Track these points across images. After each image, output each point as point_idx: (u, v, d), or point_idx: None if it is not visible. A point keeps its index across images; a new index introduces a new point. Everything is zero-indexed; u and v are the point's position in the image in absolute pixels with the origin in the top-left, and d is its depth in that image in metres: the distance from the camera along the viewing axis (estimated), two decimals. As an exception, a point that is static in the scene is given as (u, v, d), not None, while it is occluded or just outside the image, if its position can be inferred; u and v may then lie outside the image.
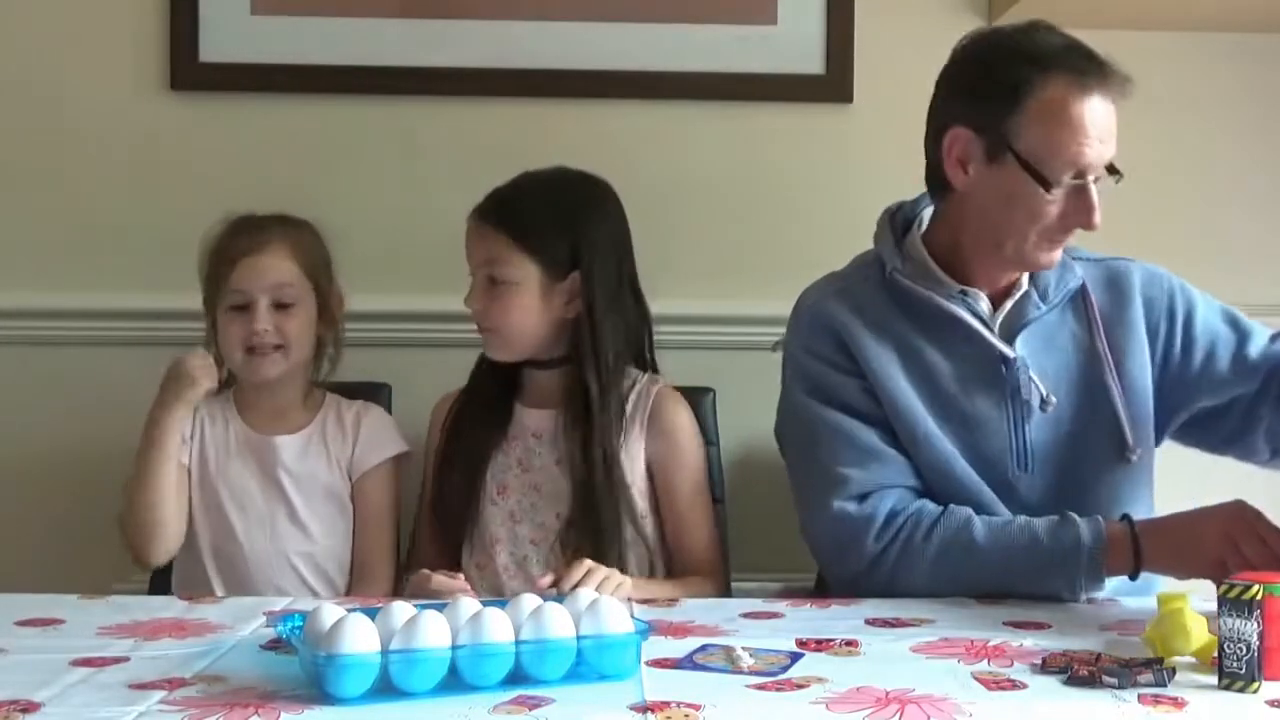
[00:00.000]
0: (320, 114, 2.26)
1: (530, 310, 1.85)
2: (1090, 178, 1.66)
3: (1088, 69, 1.65)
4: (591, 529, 1.81)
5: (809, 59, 2.28)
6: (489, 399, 1.93)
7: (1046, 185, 1.65)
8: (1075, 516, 1.64)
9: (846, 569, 1.70)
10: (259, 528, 1.90)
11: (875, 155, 2.25)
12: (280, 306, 1.89)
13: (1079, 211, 1.67)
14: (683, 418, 1.91)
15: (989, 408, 1.74)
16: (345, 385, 2.03)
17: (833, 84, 2.27)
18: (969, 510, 1.68)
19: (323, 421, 1.96)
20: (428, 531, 1.95)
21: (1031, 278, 1.78)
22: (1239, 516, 1.60)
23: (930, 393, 1.73)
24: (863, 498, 1.69)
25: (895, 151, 2.22)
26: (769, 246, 2.28)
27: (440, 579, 1.67)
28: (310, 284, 1.93)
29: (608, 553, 1.79)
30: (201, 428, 1.94)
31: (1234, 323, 1.82)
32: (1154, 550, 1.62)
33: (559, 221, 1.86)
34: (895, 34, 2.28)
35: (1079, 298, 1.79)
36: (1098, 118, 1.66)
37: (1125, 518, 1.66)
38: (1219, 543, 1.57)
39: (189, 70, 2.24)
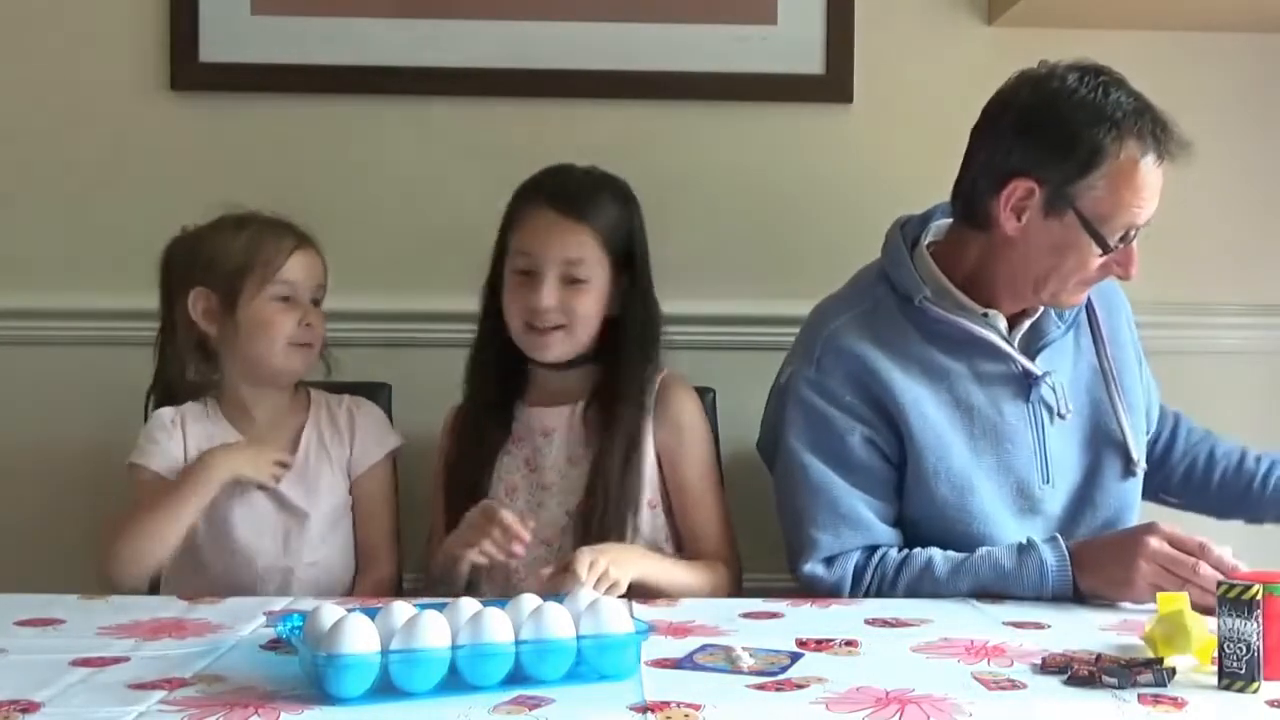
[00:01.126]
0: (320, 114, 2.26)
1: (598, 309, 1.85)
2: (1136, 235, 1.70)
3: (1159, 137, 1.68)
4: (600, 522, 1.80)
5: (809, 59, 2.28)
6: (492, 403, 1.91)
7: (1105, 246, 1.68)
8: (1036, 540, 1.67)
9: None
10: (273, 544, 1.87)
11: (875, 155, 2.25)
12: (314, 302, 1.91)
13: (1120, 264, 1.71)
14: (689, 404, 1.90)
15: (1016, 418, 1.76)
16: (345, 385, 2.02)
17: (833, 84, 2.27)
18: (929, 552, 1.71)
19: (316, 424, 1.94)
20: (439, 539, 1.92)
21: None
22: (1156, 541, 1.57)
23: (963, 412, 1.75)
24: (830, 560, 1.73)
25: (895, 152, 2.23)
26: (769, 246, 2.28)
27: (508, 516, 1.66)
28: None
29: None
30: (197, 449, 1.88)
31: None
32: (1086, 577, 1.63)
33: (623, 222, 1.87)
34: (895, 34, 2.28)
35: (1085, 313, 1.83)
36: (1156, 180, 1.69)
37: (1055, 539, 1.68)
38: (1146, 568, 1.56)
39: (189, 70, 2.24)
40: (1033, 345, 1.79)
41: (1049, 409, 1.76)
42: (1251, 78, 2.34)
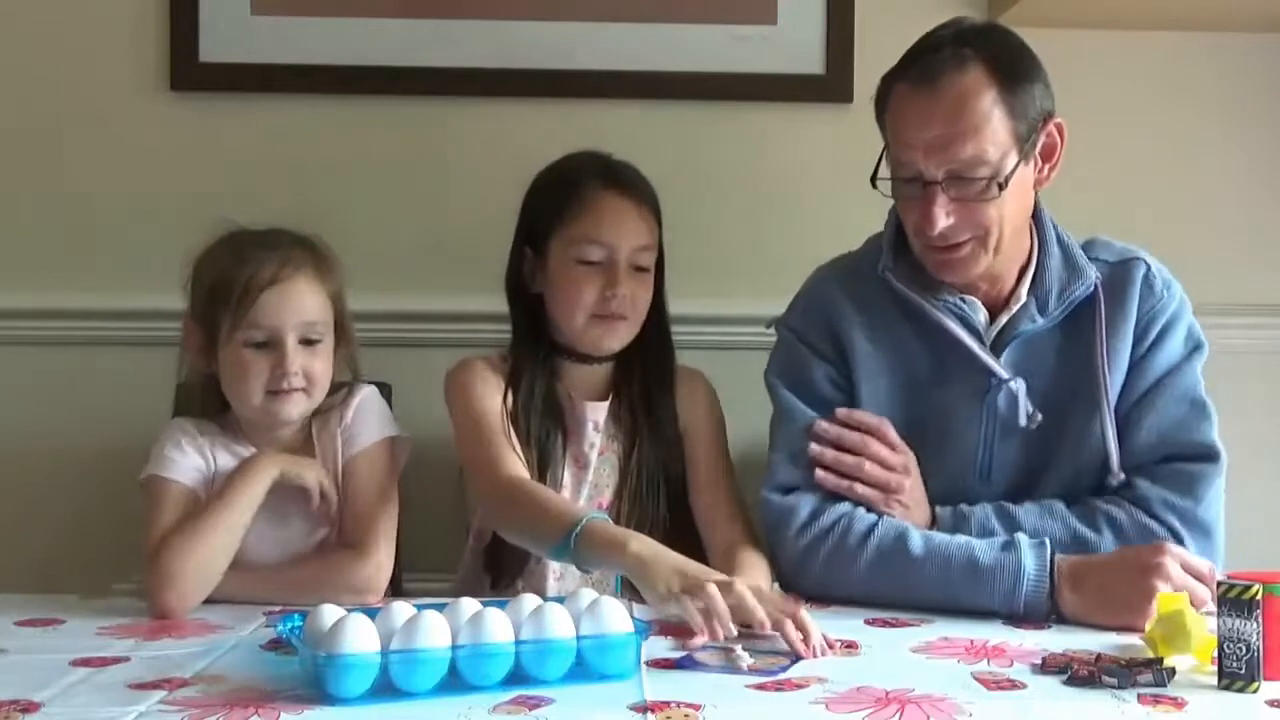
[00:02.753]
0: (320, 114, 2.26)
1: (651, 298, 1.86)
2: (934, 179, 1.62)
3: (914, 66, 1.64)
4: (638, 512, 1.81)
5: (809, 59, 2.28)
6: (547, 395, 1.85)
7: (882, 175, 1.68)
8: (1023, 542, 1.57)
9: (779, 558, 1.70)
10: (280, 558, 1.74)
11: (875, 155, 2.24)
12: (306, 343, 1.71)
13: (921, 217, 1.63)
14: (703, 390, 1.92)
15: (965, 419, 1.70)
16: (346, 385, 2.00)
17: (833, 84, 2.27)
18: (910, 525, 1.64)
19: (319, 437, 1.79)
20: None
21: (1032, 286, 1.71)
22: (1176, 568, 1.49)
23: (911, 396, 1.72)
24: (786, 490, 1.70)
25: (895, 151, 2.21)
26: (769, 246, 2.28)
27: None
28: (333, 311, 1.75)
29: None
30: (217, 478, 1.72)
31: (1198, 404, 1.68)
32: (1080, 597, 1.52)
33: (659, 206, 1.88)
34: (895, 34, 2.25)
35: (1088, 308, 1.70)
36: (917, 117, 1.63)
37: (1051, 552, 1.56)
38: (1153, 590, 1.46)
39: (189, 70, 2.24)
40: (1007, 338, 1.70)
41: (1011, 416, 1.68)
42: (1251, 78, 2.34)
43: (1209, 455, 1.66)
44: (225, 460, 1.73)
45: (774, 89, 2.28)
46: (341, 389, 1.83)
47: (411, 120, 2.27)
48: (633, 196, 1.83)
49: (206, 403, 1.79)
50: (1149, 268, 1.73)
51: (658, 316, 1.89)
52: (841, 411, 1.71)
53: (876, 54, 2.27)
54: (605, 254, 1.80)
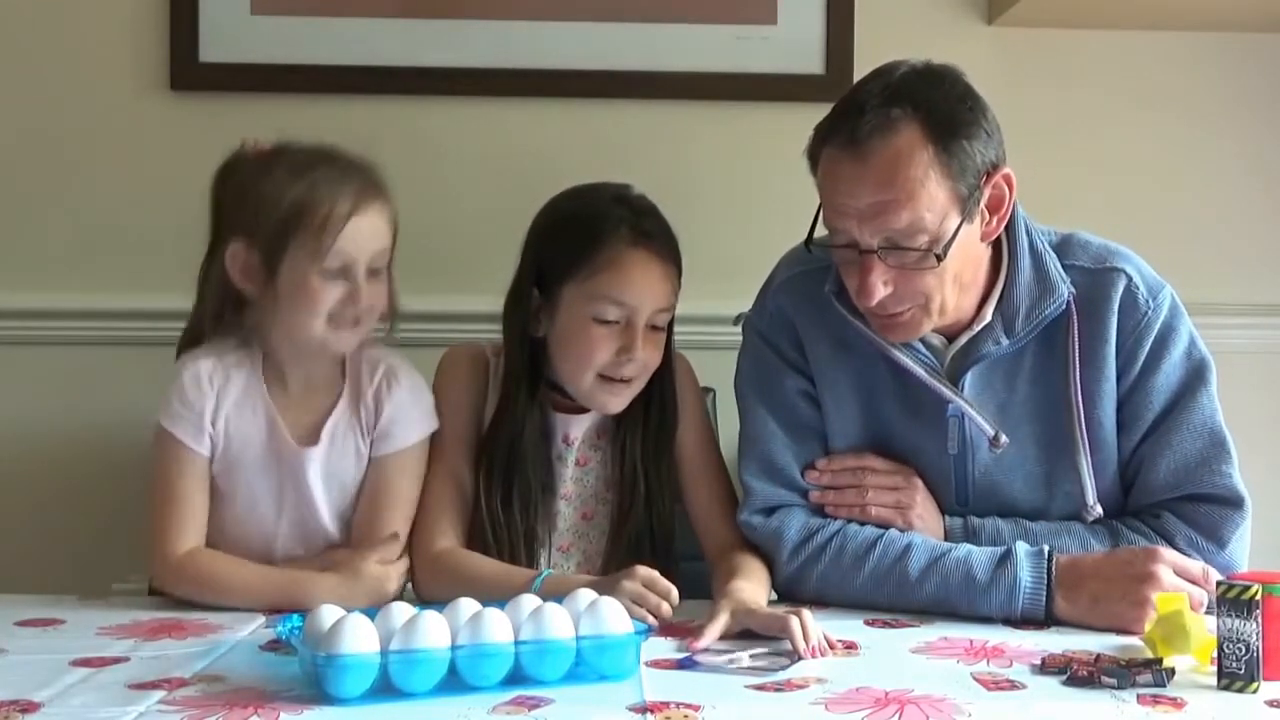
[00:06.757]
0: (320, 114, 2.26)
1: None
2: (869, 248, 1.53)
3: (841, 128, 1.54)
4: (634, 521, 1.76)
5: (809, 59, 2.28)
6: (534, 422, 1.76)
7: (811, 238, 1.62)
8: (1020, 553, 1.53)
9: (772, 580, 1.66)
10: (290, 539, 1.74)
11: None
12: (371, 273, 1.68)
13: (859, 286, 1.55)
14: (684, 373, 1.85)
15: (932, 443, 1.66)
16: (386, 364, 1.94)
17: (833, 84, 2.26)
18: (909, 538, 1.60)
19: (346, 407, 1.74)
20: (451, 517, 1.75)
21: (999, 304, 1.62)
22: (1168, 575, 1.48)
23: (876, 415, 1.68)
24: (768, 511, 1.67)
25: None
26: (769, 247, 2.26)
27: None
28: (392, 239, 1.72)
29: (645, 545, 1.76)
30: (226, 423, 1.69)
31: (1213, 434, 1.61)
32: (1074, 604, 1.51)
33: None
34: (895, 34, 2.27)
35: (1062, 325, 1.61)
36: (846, 184, 1.54)
37: (1049, 557, 1.53)
38: (1147, 599, 1.46)
39: (189, 70, 2.24)
40: (969, 358, 1.62)
41: (964, 443, 1.63)
42: (1251, 78, 2.34)
43: (1232, 500, 1.59)
44: (235, 394, 1.69)
45: (774, 89, 2.28)
46: (380, 366, 1.77)
47: (411, 120, 2.27)
48: (660, 254, 1.71)
49: (219, 327, 1.73)
50: (1129, 279, 1.62)
51: (664, 365, 1.79)
52: (821, 463, 1.68)
53: (876, 54, 2.27)
54: (625, 315, 1.69)
